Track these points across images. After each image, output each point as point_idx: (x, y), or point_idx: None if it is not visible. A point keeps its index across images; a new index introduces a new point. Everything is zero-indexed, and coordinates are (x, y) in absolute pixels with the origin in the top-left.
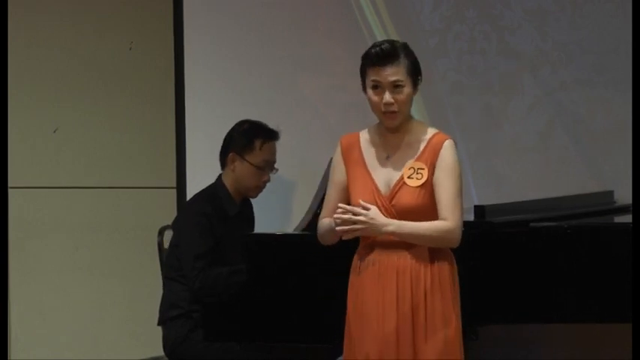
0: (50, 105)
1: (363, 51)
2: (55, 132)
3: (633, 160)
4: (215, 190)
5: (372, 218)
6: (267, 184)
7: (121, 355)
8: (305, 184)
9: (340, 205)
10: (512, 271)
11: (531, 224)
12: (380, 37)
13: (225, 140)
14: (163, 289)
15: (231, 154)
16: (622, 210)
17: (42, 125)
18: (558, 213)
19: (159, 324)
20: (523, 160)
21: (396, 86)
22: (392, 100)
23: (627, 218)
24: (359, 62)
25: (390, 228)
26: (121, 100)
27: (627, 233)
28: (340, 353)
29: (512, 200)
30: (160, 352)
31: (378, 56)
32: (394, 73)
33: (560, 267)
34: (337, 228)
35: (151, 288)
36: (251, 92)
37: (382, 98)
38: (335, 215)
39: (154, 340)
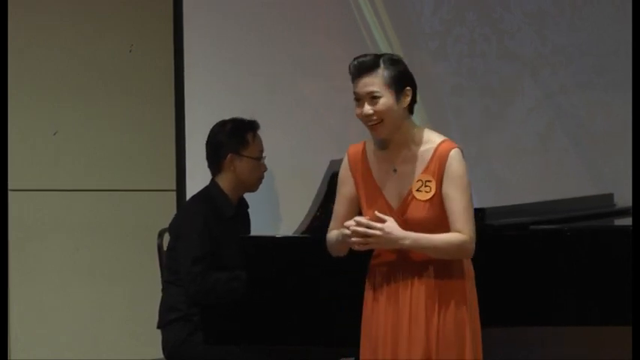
0: (50, 107)
1: (362, 53)
2: (54, 134)
3: (633, 163)
4: (211, 192)
5: (388, 232)
6: (266, 185)
7: (120, 357)
8: (304, 185)
9: (356, 218)
10: (512, 273)
11: (531, 227)
12: (380, 39)
13: (212, 146)
14: (162, 292)
15: (229, 156)
16: (622, 213)
17: (42, 127)
18: (558, 216)
19: (158, 327)
20: (523, 162)
21: (372, 97)
22: (370, 112)
23: (627, 221)
24: None
25: (407, 242)
26: (121, 102)
27: (627, 236)
28: (340, 355)
29: (513, 203)
30: (160, 354)
31: (355, 68)
32: (369, 84)
33: (560, 270)
34: (352, 239)
35: (151, 290)
36: (250, 94)
37: (362, 111)
38: (352, 228)
39: (153, 341)
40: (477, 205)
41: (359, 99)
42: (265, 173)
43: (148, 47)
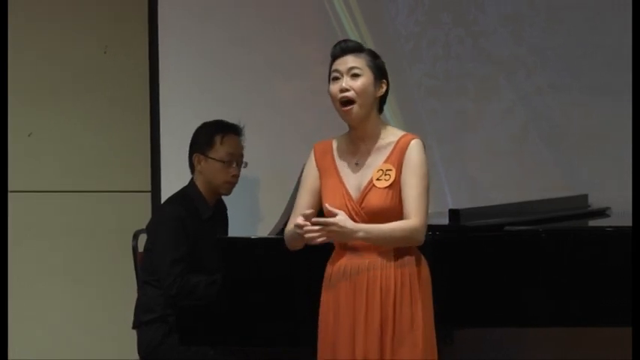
0: (24, 108)
1: None
2: (29, 136)
3: (633, 163)
4: (188, 193)
5: (342, 226)
6: (244, 188)
7: (95, 357)
8: (280, 187)
9: (313, 220)
10: (486, 274)
11: (506, 228)
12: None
13: (189, 145)
14: (138, 292)
15: (195, 156)
16: (596, 214)
17: (16, 129)
18: (533, 217)
19: (133, 327)
20: (498, 164)
21: (353, 75)
22: (347, 87)
23: (601, 222)
24: None
25: (360, 234)
26: (96, 103)
27: (602, 237)
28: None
29: (487, 204)
30: (135, 356)
31: (340, 48)
32: (352, 61)
33: (535, 270)
34: (306, 236)
35: (126, 291)
36: (226, 96)
37: (339, 86)
38: (307, 228)
39: (128, 342)
40: (451, 206)
41: (337, 77)
42: (242, 175)
43: (122, 48)
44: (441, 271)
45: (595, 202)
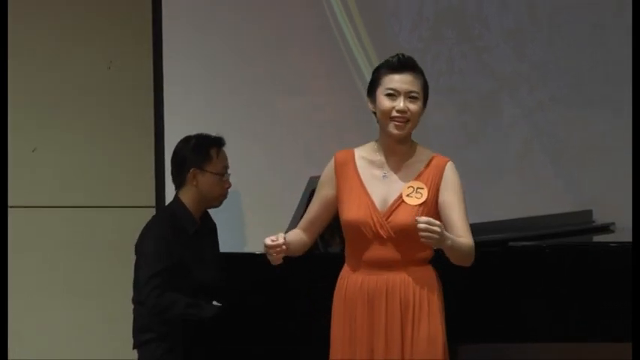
0: (29, 123)
1: (341, 70)
2: (33, 151)
3: (633, 166)
4: (173, 209)
5: (441, 231)
6: (243, 200)
7: None
8: (281, 202)
9: (424, 218)
10: (490, 290)
11: (510, 243)
12: (358, 56)
13: (176, 161)
14: (133, 312)
15: (192, 171)
16: (600, 229)
17: (21, 144)
18: (536, 232)
19: (134, 348)
20: (501, 179)
21: (411, 97)
22: (405, 108)
23: (605, 237)
24: (337, 81)
25: (448, 242)
26: (100, 119)
27: (606, 252)
28: None
29: (491, 219)
30: None
31: (400, 62)
32: (413, 83)
33: (538, 286)
34: (273, 256)
35: (129, 308)
36: (229, 110)
37: (395, 105)
38: (420, 226)
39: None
40: None
41: (393, 95)
42: (241, 188)
43: (126, 64)
44: (444, 286)
45: (597, 215)
